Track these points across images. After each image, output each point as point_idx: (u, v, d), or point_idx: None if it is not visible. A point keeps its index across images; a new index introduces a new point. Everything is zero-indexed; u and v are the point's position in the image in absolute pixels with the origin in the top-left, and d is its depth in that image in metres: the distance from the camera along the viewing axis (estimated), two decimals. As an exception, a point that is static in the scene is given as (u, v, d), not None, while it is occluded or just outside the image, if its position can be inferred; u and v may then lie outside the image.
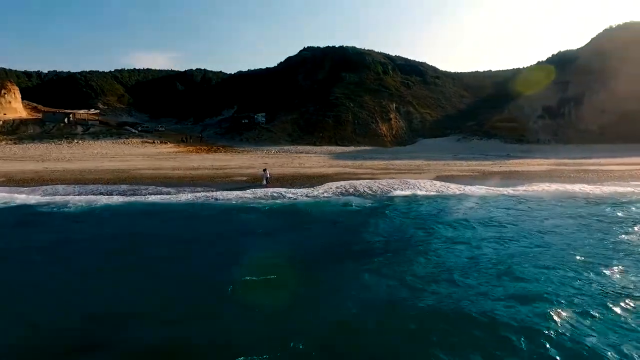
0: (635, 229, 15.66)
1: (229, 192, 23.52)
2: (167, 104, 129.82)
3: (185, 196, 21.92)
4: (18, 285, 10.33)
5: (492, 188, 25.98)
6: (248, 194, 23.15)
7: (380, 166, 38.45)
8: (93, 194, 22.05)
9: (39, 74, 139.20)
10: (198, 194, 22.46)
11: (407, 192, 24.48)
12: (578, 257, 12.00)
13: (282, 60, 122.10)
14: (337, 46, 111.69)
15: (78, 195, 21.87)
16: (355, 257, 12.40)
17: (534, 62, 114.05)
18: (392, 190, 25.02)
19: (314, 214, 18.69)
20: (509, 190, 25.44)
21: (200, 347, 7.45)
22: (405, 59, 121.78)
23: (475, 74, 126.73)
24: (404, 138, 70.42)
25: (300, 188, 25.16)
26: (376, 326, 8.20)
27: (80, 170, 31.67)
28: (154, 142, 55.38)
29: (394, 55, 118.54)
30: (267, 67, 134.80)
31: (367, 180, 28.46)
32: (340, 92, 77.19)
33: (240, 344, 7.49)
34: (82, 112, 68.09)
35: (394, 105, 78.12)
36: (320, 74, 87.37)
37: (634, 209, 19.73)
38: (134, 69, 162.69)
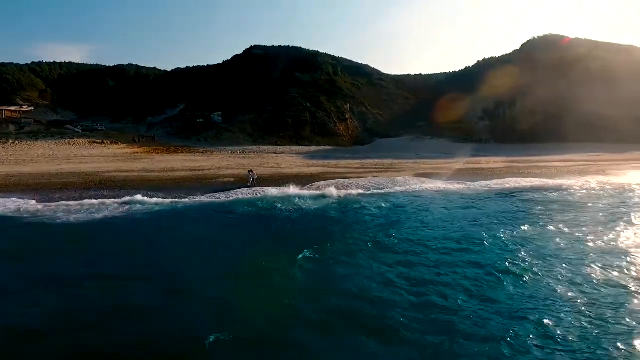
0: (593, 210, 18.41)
1: (228, 193, 22.84)
2: (97, 101, 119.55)
3: (185, 200, 20.86)
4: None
5: (474, 183, 28.26)
6: (250, 194, 22.65)
7: (356, 165, 39.45)
8: (75, 200, 19.93)
9: None
10: (199, 198, 21.49)
11: (402, 189, 25.66)
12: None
13: (228, 59, 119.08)
14: (290, 46, 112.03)
15: (55, 202, 19.63)
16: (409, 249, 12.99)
17: (462, 67, 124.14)
18: (387, 187, 26.05)
19: (338, 213, 18.81)
20: (488, 185, 27.88)
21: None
22: (350, 61, 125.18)
23: (413, 77, 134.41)
24: (360, 138, 72.61)
25: (296, 188, 25.01)
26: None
27: (41, 174, 28.28)
28: (103, 143, 50.87)
29: (338, 56, 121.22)
30: (208, 65, 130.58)
31: (356, 179, 29.20)
32: (296, 92, 77.35)
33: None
34: (12, 109, 60.01)
35: (348, 105, 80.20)
36: (275, 74, 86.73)
37: (584, 193, 22.99)
38: (54, 62, 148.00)
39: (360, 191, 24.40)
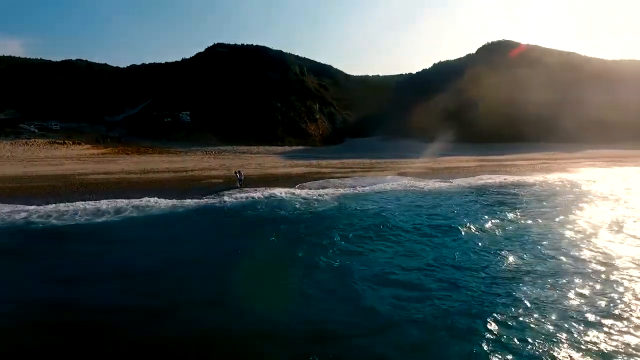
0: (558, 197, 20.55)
1: (224, 194, 22.44)
2: (43, 99, 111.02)
3: (185, 203, 20.21)
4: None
5: (455, 180, 29.80)
6: (249, 196, 22.37)
7: (338, 165, 39.97)
8: (64, 203, 18.72)
9: None
10: (197, 201, 20.96)
11: (391, 186, 26.56)
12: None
13: (191, 56, 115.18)
14: (254, 45, 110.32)
15: (45, 206, 18.36)
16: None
17: (420, 69, 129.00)
18: (379, 185, 26.71)
19: (344, 212, 19.03)
20: (468, 182, 29.51)
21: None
22: (314, 61, 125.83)
23: (372, 78, 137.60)
24: (330, 138, 73.32)
25: (291, 188, 25.09)
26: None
27: (8, 177, 26.06)
28: (65, 143, 47.52)
29: (302, 57, 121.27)
30: (167, 62, 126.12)
31: (345, 179, 29.73)
32: (266, 92, 76.55)
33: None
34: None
35: (317, 105, 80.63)
36: (243, 73, 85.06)
37: (558, 189, 25.18)
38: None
39: (356, 190, 24.90)
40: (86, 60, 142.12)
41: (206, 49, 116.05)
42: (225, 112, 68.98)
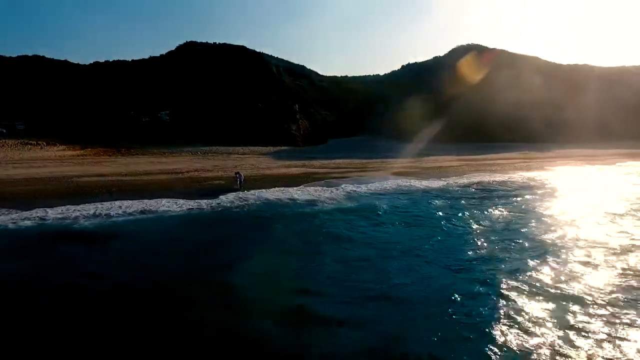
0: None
1: (234, 195, 22.29)
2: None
3: (201, 205, 19.91)
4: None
5: (449, 179, 31.08)
6: (260, 197, 22.30)
7: (331, 165, 40.26)
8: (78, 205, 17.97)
9: None
10: (210, 202, 20.73)
11: (393, 186, 27.49)
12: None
13: (162, 54, 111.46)
14: (226, 43, 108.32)
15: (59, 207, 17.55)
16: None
17: (388, 70, 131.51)
18: (382, 186, 27.40)
19: (364, 211, 19.38)
20: (462, 181, 30.75)
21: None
22: (288, 62, 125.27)
23: (341, 78, 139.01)
24: (312, 138, 73.49)
25: (297, 188, 25.25)
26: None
27: (-3, 181, 24.46)
28: (38, 144, 44.92)
29: (277, 57, 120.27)
30: (133, 60, 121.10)
31: (346, 179, 30.16)
32: (247, 91, 75.58)
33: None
34: None
35: (297, 105, 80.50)
36: (221, 72, 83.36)
37: (547, 185, 26.92)
38: None
39: (361, 190, 25.39)
40: (44, 56, 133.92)
41: (179, 47, 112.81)
42: (206, 112, 67.58)
